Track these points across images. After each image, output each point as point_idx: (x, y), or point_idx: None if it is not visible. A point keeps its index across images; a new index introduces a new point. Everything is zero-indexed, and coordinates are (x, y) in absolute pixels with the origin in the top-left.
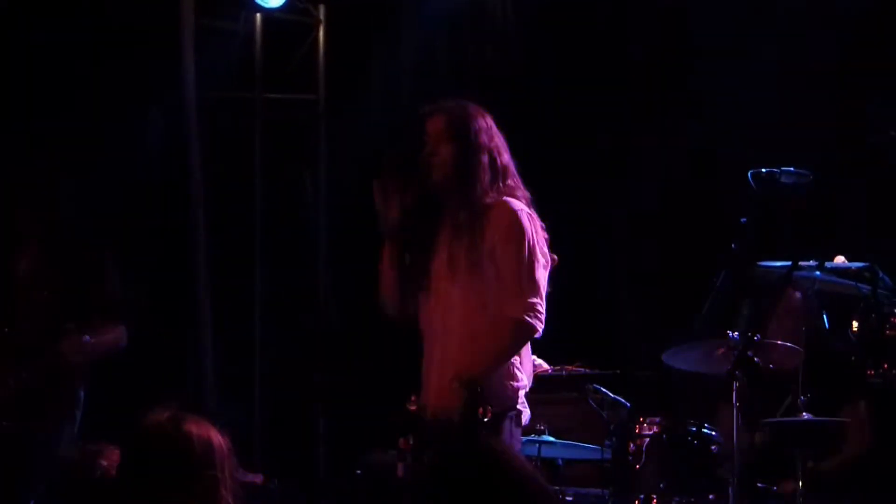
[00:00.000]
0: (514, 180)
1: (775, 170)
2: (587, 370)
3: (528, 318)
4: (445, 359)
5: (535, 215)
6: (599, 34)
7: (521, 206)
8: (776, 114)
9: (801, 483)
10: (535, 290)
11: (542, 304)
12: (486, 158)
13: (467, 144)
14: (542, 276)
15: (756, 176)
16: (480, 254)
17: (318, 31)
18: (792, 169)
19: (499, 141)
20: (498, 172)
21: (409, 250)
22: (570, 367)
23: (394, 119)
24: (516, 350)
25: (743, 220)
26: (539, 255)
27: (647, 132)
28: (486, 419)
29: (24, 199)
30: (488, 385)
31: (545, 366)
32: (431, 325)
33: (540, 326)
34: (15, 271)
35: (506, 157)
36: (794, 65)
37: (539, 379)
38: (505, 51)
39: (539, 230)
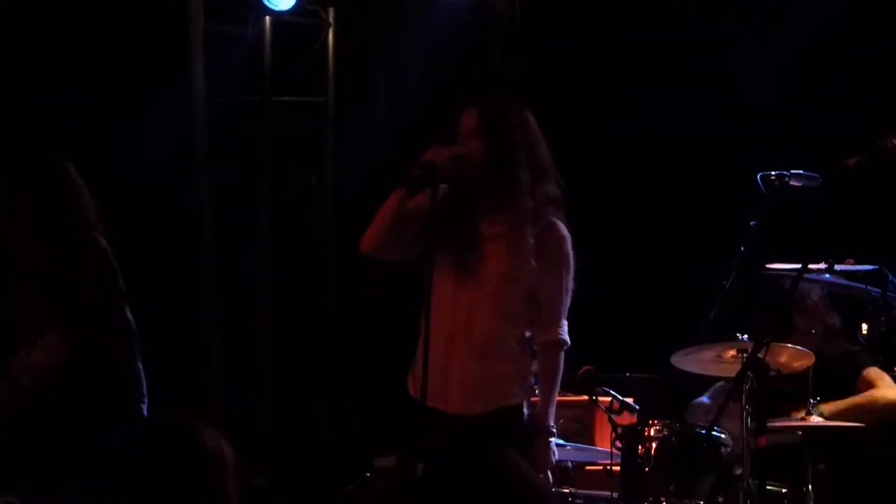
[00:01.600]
0: (553, 181)
1: (785, 172)
2: (597, 373)
3: (565, 338)
4: (473, 360)
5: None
6: (605, 36)
7: (566, 231)
8: (786, 115)
9: (810, 486)
10: (566, 312)
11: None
12: (522, 157)
13: (500, 142)
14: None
15: (765, 178)
16: (520, 268)
17: (327, 35)
18: (801, 172)
19: (537, 138)
20: (535, 173)
21: (441, 203)
22: (579, 371)
23: (402, 123)
24: (561, 372)
25: (752, 222)
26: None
27: (657, 130)
28: None
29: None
30: (512, 386)
31: None
32: (454, 317)
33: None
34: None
35: (545, 156)
36: (803, 66)
37: None
38: (513, 54)
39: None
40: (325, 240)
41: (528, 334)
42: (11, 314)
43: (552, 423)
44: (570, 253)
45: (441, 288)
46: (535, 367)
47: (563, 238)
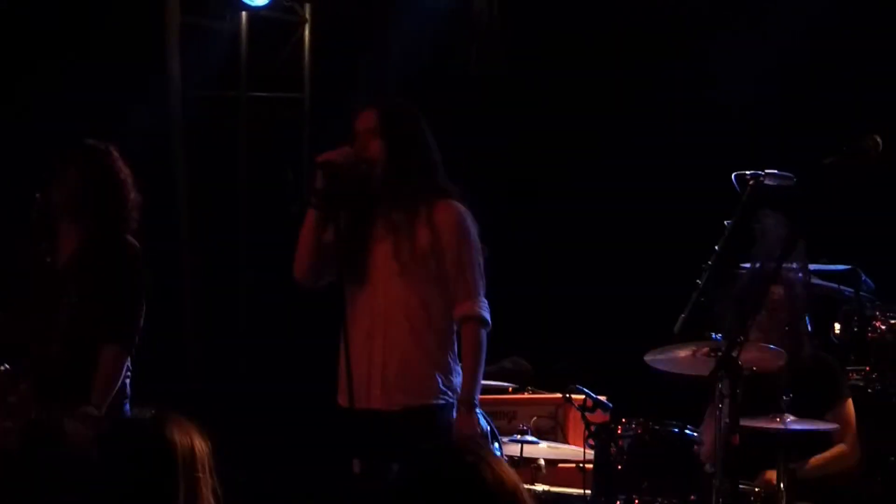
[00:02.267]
0: (445, 179)
1: (759, 172)
2: (570, 371)
3: (485, 313)
4: (392, 353)
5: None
6: (585, 36)
7: (465, 209)
8: (760, 116)
9: (782, 484)
10: (483, 288)
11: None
12: (418, 154)
13: (399, 141)
14: (483, 274)
15: (740, 178)
16: (425, 251)
17: (303, 30)
18: (776, 171)
19: (430, 138)
20: (431, 169)
21: (343, 229)
22: (553, 369)
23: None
24: (484, 346)
25: (727, 221)
26: (480, 254)
27: (632, 130)
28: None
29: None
30: (436, 380)
31: (528, 366)
32: (370, 318)
33: (490, 320)
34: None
35: (437, 155)
36: (777, 67)
37: (522, 379)
38: (491, 51)
39: (476, 232)
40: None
41: (448, 329)
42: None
43: (476, 397)
44: (469, 226)
45: (354, 296)
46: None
47: (457, 213)
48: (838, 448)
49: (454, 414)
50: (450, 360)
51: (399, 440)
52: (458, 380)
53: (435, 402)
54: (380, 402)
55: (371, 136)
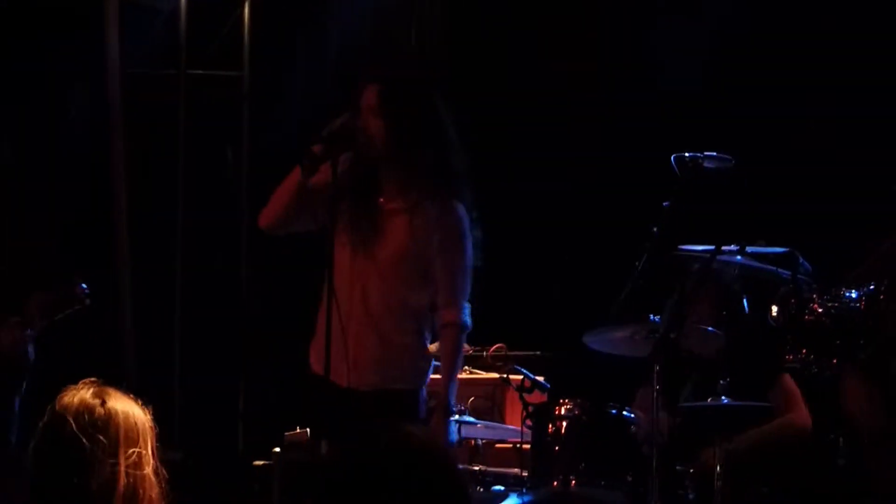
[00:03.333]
0: (458, 158)
1: (698, 154)
2: (508, 351)
3: (466, 319)
4: (368, 334)
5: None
6: (526, 21)
7: (464, 212)
8: (700, 97)
9: (719, 467)
10: (467, 294)
11: (468, 306)
12: (421, 139)
13: (402, 120)
14: (470, 279)
15: (679, 160)
16: (418, 245)
17: (243, 8)
18: (715, 153)
19: (441, 113)
20: (438, 149)
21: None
22: (490, 349)
23: (319, 97)
24: (462, 351)
25: (665, 203)
26: (471, 260)
27: (571, 113)
28: None
29: None
30: (408, 365)
31: (466, 346)
32: (351, 290)
33: (470, 323)
34: None
35: (449, 133)
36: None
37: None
38: (432, 34)
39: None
40: (241, 213)
41: (424, 316)
42: None
43: (453, 403)
44: (467, 235)
45: (340, 261)
46: (435, 349)
47: (459, 220)
48: (780, 419)
49: (422, 403)
50: (425, 349)
51: (366, 421)
52: (430, 371)
53: (408, 387)
54: (347, 380)
55: (372, 114)
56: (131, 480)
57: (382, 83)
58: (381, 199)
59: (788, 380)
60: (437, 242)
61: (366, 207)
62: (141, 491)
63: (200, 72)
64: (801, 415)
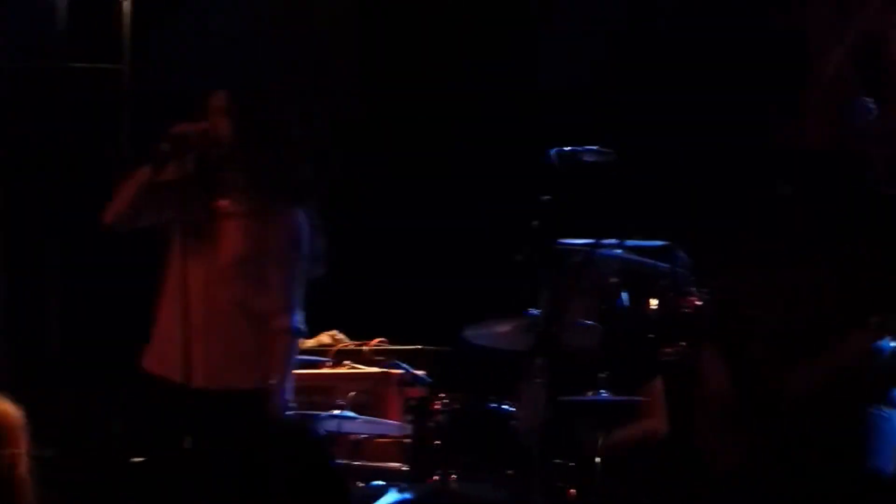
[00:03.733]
0: (303, 165)
1: (578, 148)
2: (388, 346)
3: (297, 325)
4: (213, 334)
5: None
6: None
7: (303, 220)
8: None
9: (597, 459)
10: (298, 302)
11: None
12: (268, 144)
13: (249, 122)
14: (302, 286)
15: (559, 154)
16: (257, 249)
17: (122, 1)
18: (594, 147)
19: (289, 120)
20: (283, 155)
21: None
22: (371, 343)
23: (201, 91)
24: (295, 354)
25: (545, 197)
26: (303, 269)
27: (454, 109)
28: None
29: None
30: (253, 365)
31: (346, 341)
32: (191, 291)
33: (304, 327)
34: None
35: (296, 140)
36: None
37: (340, 354)
38: (313, 26)
39: (312, 235)
40: None
41: (265, 318)
42: None
43: (286, 398)
44: (302, 240)
45: (178, 262)
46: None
47: (296, 228)
48: (646, 422)
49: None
50: (261, 343)
51: (216, 420)
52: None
53: (254, 386)
54: (199, 380)
55: (220, 115)
56: (6, 481)
57: (232, 87)
58: (223, 202)
59: (657, 385)
60: (273, 249)
61: (207, 209)
62: (16, 491)
63: (80, 64)
64: (658, 422)
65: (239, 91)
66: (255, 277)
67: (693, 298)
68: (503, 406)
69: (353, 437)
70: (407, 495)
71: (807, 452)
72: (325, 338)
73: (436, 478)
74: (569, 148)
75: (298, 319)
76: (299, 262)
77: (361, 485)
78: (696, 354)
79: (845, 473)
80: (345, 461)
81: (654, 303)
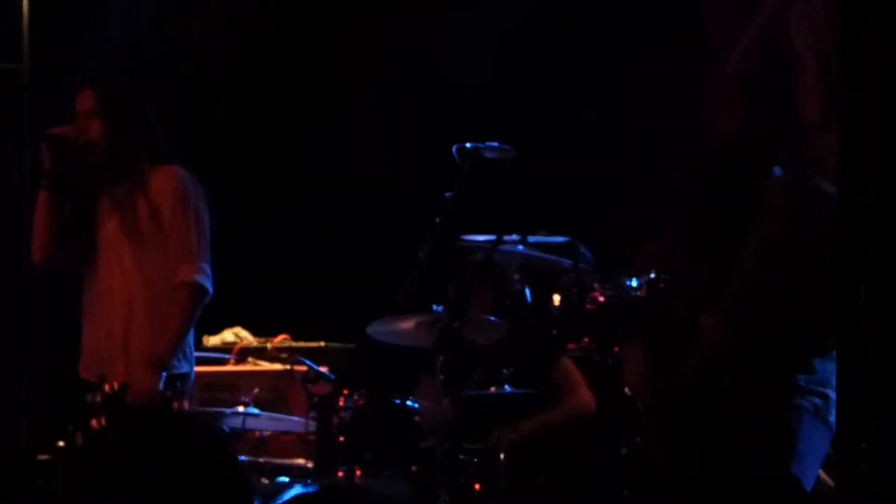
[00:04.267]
0: (165, 144)
1: (479, 144)
2: (292, 343)
3: (202, 281)
4: (132, 328)
5: (197, 182)
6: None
7: (184, 173)
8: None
9: (502, 454)
10: (205, 254)
11: (210, 268)
12: (138, 133)
13: (117, 120)
14: (208, 239)
15: (461, 150)
16: (148, 218)
17: None
18: (496, 144)
19: (152, 116)
20: (150, 137)
21: (69, 210)
22: (274, 340)
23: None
24: (197, 315)
25: (447, 194)
26: (205, 220)
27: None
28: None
29: None
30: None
31: (250, 338)
32: (109, 295)
33: (210, 289)
34: None
35: (160, 133)
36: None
37: (244, 351)
38: (222, 20)
39: (202, 196)
40: (22, 209)
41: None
42: None
43: (167, 360)
44: (189, 189)
45: (91, 273)
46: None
47: (173, 177)
48: (562, 404)
49: (191, 380)
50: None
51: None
52: (190, 351)
53: (176, 371)
54: (122, 377)
55: (90, 116)
56: None
57: (95, 86)
58: (102, 200)
59: (567, 363)
60: (161, 206)
61: (92, 214)
62: None
63: None
64: (584, 396)
65: (103, 87)
66: (160, 256)
67: (596, 294)
68: (407, 402)
69: (257, 433)
70: (311, 490)
71: (726, 446)
72: (228, 335)
73: (340, 474)
74: (470, 145)
75: (203, 273)
76: (193, 216)
77: (266, 481)
78: (604, 350)
79: (763, 472)
80: (249, 458)
81: (557, 299)
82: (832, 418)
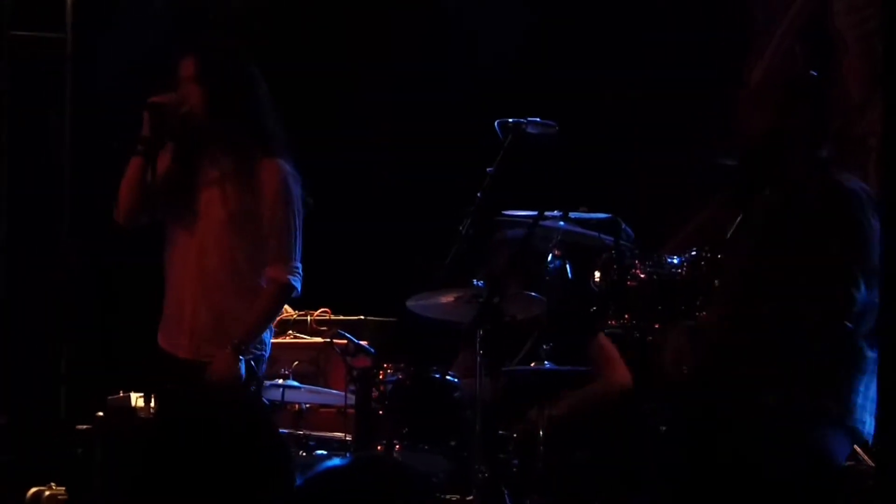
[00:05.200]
0: (275, 122)
1: (522, 119)
2: (332, 316)
3: (295, 284)
4: (203, 303)
5: (298, 178)
6: None
7: (288, 168)
8: (522, 62)
9: (541, 432)
10: (297, 254)
11: (301, 267)
12: (240, 102)
13: (219, 88)
14: (301, 238)
15: (503, 125)
16: (244, 204)
17: None
18: (538, 119)
19: (256, 80)
20: (256, 118)
21: (169, 173)
22: (314, 313)
23: (144, 59)
24: (280, 311)
25: (489, 169)
26: (300, 218)
27: (399, 75)
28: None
29: None
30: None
31: (290, 311)
32: (185, 264)
33: (300, 288)
34: None
35: (265, 98)
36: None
37: (284, 324)
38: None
39: (301, 192)
40: (65, 179)
41: (260, 284)
42: None
43: (247, 346)
44: (291, 188)
45: (175, 238)
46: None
47: (279, 174)
48: (599, 380)
49: (263, 368)
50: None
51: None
52: (267, 336)
53: (252, 355)
54: (186, 351)
55: (190, 83)
56: None
57: (198, 53)
58: (204, 170)
59: (603, 339)
60: (263, 201)
61: (186, 186)
62: None
63: (23, 33)
64: (620, 372)
65: (206, 55)
66: (248, 241)
67: (637, 271)
68: (447, 376)
69: (296, 406)
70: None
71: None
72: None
73: (379, 448)
74: (512, 120)
75: (296, 274)
76: (293, 214)
77: (304, 454)
78: (645, 327)
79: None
80: (288, 430)
81: (597, 276)
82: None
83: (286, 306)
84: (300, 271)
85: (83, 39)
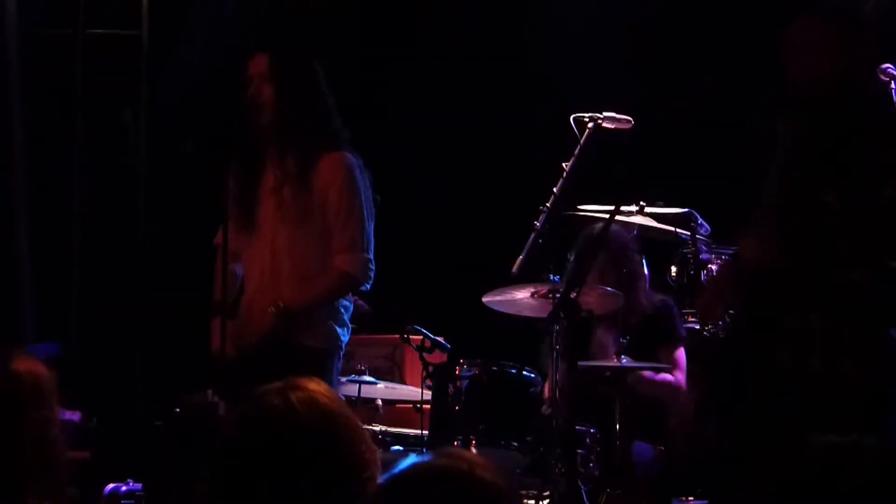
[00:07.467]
0: (339, 124)
1: (597, 114)
2: (408, 311)
3: (359, 275)
4: (276, 298)
5: (365, 170)
6: None
7: (354, 160)
8: (598, 58)
9: (618, 427)
10: (367, 246)
11: (373, 261)
12: (308, 103)
13: (290, 86)
14: (372, 230)
15: (578, 120)
16: (312, 202)
17: None
18: (614, 114)
19: (323, 85)
20: (322, 118)
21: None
22: (390, 309)
23: (217, 57)
24: (338, 298)
25: (565, 163)
26: (369, 210)
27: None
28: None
29: None
30: (310, 320)
31: (366, 306)
32: (258, 267)
33: (369, 282)
34: None
35: (330, 101)
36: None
37: (360, 319)
38: None
39: (369, 184)
40: (139, 177)
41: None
42: None
43: (300, 312)
44: (357, 179)
45: (246, 242)
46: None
47: (345, 165)
48: (670, 376)
49: (329, 360)
50: (337, 309)
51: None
52: (342, 330)
53: (305, 342)
54: (255, 338)
55: (262, 80)
56: (39, 441)
57: (270, 50)
58: (271, 168)
59: (681, 353)
60: (329, 193)
61: (257, 179)
62: (49, 451)
63: (99, 31)
64: (682, 384)
65: (279, 54)
66: (318, 241)
67: (713, 266)
68: (523, 372)
69: (372, 402)
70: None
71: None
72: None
73: (455, 444)
74: (588, 115)
75: (360, 266)
76: (359, 206)
77: (380, 450)
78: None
79: None
80: (365, 426)
81: (674, 270)
82: None
83: (362, 302)
84: (372, 265)
85: (158, 37)
